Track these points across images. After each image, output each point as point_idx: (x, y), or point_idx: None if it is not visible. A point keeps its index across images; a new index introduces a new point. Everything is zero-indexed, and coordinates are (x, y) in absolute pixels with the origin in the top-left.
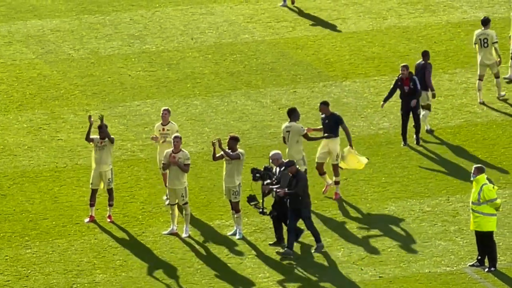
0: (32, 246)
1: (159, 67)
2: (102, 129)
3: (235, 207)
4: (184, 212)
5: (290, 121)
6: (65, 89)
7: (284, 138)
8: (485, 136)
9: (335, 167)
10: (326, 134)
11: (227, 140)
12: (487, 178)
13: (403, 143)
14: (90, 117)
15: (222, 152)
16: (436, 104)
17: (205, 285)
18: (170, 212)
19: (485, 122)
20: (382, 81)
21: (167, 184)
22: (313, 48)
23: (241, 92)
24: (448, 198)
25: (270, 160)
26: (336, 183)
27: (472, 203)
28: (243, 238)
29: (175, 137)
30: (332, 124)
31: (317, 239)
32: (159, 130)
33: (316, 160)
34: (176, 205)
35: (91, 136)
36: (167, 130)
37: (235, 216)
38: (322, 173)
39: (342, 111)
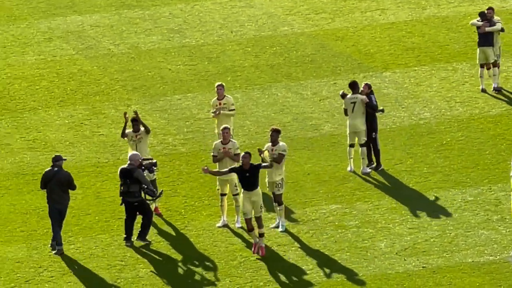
0: (75, 242)
1: (199, 61)
2: (137, 121)
3: (278, 200)
4: (235, 203)
5: (353, 93)
6: (105, 84)
7: (345, 110)
8: None
9: (258, 219)
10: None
11: (269, 133)
12: None
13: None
14: (125, 113)
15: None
16: (476, 94)
17: (249, 278)
18: (220, 203)
19: None
20: (422, 71)
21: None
22: (353, 40)
23: (281, 84)
24: (490, 187)
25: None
26: (261, 235)
27: None
28: (285, 231)
29: (224, 128)
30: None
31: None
32: (216, 105)
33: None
34: (226, 196)
35: (126, 131)
36: (224, 104)
37: (278, 208)
38: (251, 228)
39: (383, 102)
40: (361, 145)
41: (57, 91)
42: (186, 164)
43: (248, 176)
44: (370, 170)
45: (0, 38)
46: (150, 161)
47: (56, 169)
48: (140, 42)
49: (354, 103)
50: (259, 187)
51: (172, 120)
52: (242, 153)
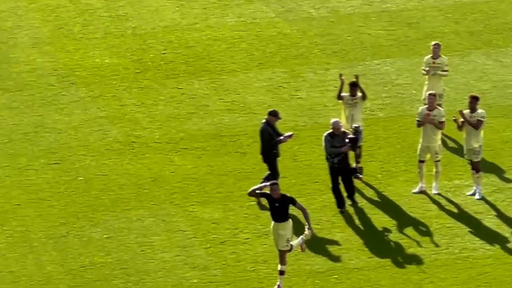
0: None
1: (399, 26)
2: (356, 86)
3: (475, 167)
4: (435, 169)
5: None
6: (305, 47)
7: None
8: None
9: (281, 253)
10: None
11: (468, 100)
12: None
13: None
14: (341, 75)
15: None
16: None
17: (444, 244)
18: (418, 170)
19: None
20: None
21: (421, 141)
22: None
23: (481, 51)
24: None
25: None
26: (281, 272)
27: None
28: (482, 198)
29: (430, 94)
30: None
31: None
32: (429, 63)
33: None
34: (425, 163)
35: (342, 94)
36: (438, 63)
37: (475, 176)
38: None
39: None
40: None
41: (256, 53)
42: (383, 130)
43: (278, 207)
44: None
45: (201, 0)
46: (354, 135)
47: (263, 121)
48: (340, 6)
49: None
50: (289, 220)
51: (370, 85)
52: (269, 183)
